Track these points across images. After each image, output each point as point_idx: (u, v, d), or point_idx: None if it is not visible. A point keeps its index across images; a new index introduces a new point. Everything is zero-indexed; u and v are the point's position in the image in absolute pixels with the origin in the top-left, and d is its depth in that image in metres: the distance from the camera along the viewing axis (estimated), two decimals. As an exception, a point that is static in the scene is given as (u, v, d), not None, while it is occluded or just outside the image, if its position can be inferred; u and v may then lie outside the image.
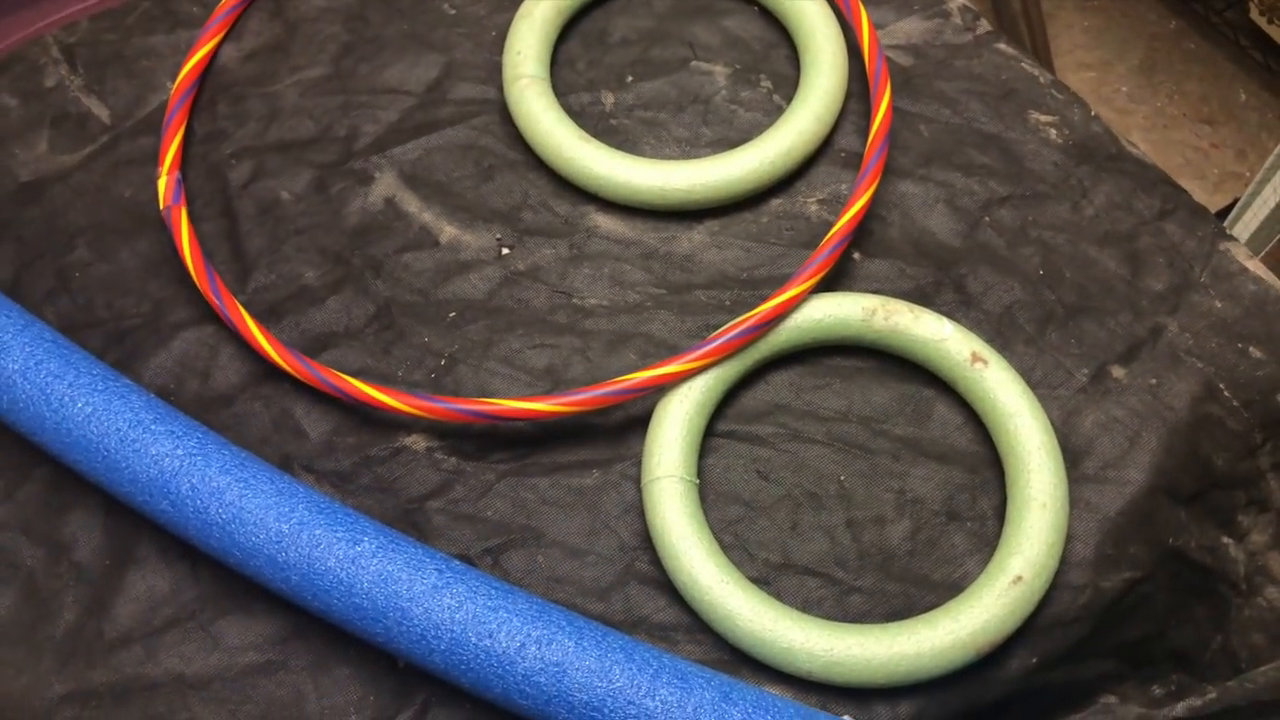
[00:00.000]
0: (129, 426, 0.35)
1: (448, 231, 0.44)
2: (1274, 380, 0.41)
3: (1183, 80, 1.16)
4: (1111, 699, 0.40)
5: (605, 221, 0.44)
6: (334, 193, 0.45)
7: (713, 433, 0.40)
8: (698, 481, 0.37)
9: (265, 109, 0.47)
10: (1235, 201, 0.91)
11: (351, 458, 0.39)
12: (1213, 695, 0.41)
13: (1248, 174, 1.09)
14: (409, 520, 0.37)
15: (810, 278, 0.40)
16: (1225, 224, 0.91)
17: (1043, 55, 1.05)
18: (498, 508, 0.38)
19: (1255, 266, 0.44)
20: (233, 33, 0.49)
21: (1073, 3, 1.20)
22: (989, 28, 0.50)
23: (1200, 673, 0.43)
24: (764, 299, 0.40)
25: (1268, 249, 0.88)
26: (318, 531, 0.33)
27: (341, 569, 0.33)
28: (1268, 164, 0.86)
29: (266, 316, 0.42)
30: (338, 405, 0.40)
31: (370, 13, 0.50)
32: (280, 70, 0.48)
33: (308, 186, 0.45)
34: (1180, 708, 0.40)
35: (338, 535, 0.33)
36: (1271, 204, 0.85)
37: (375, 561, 0.33)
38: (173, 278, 0.43)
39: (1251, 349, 0.42)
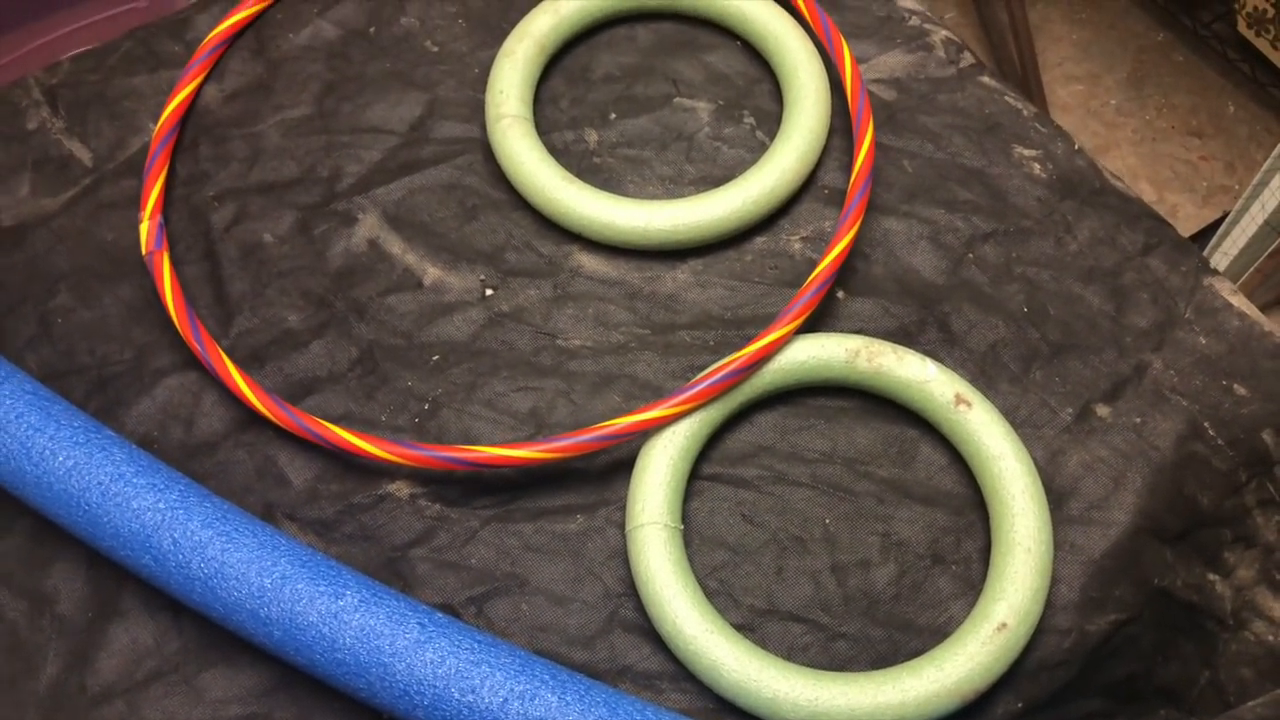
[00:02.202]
0: (110, 480, 0.35)
1: (431, 273, 0.44)
2: (1258, 418, 0.41)
3: (1171, 93, 1.16)
4: (1099, 738, 0.40)
5: (589, 261, 0.44)
6: (317, 234, 0.45)
7: (698, 475, 0.40)
8: (682, 527, 0.37)
9: (248, 150, 0.47)
10: (1225, 215, 0.91)
11: (335, 506, 0.39)
12: (1199, 734, 0.41)
13: (1237, 187, 1.09)
14: (393, 569, 0.37)
15: (794, 320, 0.40)
16: (1214, 239, 0.91)
17: (1030, 69, 1.05)
18: (482, 555, 0.38)
19: (1239, 302, 0.44)
20: (215, 72, 0.49)
21: (1061, 15, 1.20)
22: (973, 60, 0.50)
23: (1189, 708, 0.43)
24: (748, 339, 0.40)
25: (1256, 264, 0.88)
26: (300, 586, 0.33)
27: (324, 624, 0.32)
28: (1256, 179, 0.86)
29: (249, 361, 0.42)
30: (321, 452, 0.40)
31: (352, 51, 0.50)
32: (263, 110, 0.48)
33: (291, 228, 0.45)
34: (1167, 747, 0.40)
35: (320, 589, 0.33)
36: (1259, 220, 0.85)
37: (357, 616, 0.33)
38: (155, 323, 0.42)
39: (1236, 386, 0.42)
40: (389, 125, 0.48)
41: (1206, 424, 0.41)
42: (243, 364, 0.41)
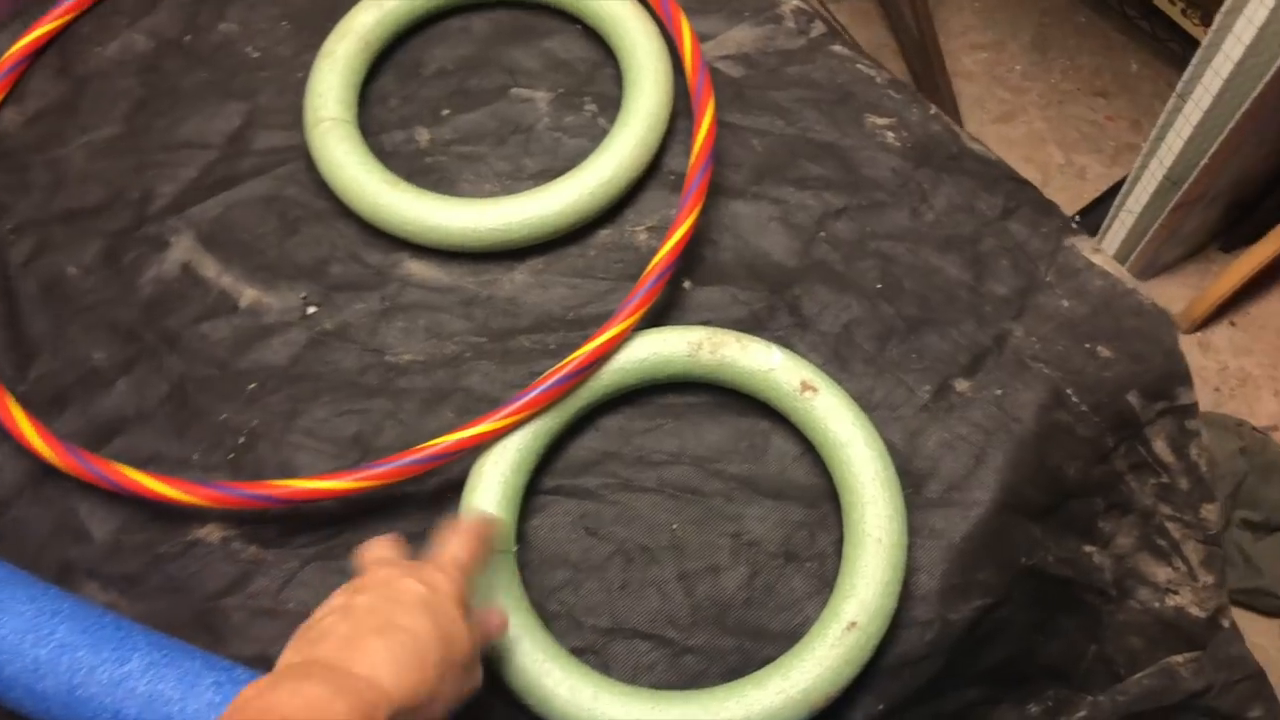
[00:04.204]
0: (-128, 551, 0.32)
1: (248, 294, 0.41)
2: (1123, 380, 0.39)
3: (1075, 54, 1.15)
4: (984, 727, 0.38)
5: (420, 269, 0.41)
6: (126, 263, 0.41)
7: (538, 489, 0.37)
8: (515, 549, 0.35)
9: (50, 176, 0.43)
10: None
11: (140, 558, 0.35)
12: (1083, 714, 0.39)
13: (1143, 144, 1.08)
14: (203, 622, 0.34)
15: (630, 316, 0.37)
16: (1118, 197, 0.91)
17: (929, 39, 1.04)
18: (302, 598, 0.35)
19: (1102, 260, 0.43)
20: (14, 93, 0.45)
21: (962, -17, 1.19)
22: (823, 29, 0.48)
23: (1078, 683, 0.41)
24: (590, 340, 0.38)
25: (1161, 220, 0.88)
26: (80, 654, 0.30)
27: (106, 694, 0.29)
28: (1153, 135, 0.85)
29: (49, 406, 0.38)
30: (125, 500, 0.37)
31: (166, 63, 0.47)
32: (67, 132, 0.45)
33: (97, 258, 0.42)
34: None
35: (103, 656, 0.30)
36: (1159, 176, 0.85)
37: (144, 682, 0.30)
38: (-57, 372, 0.39)
39: (1100, 348, 0.40)
40: (205, 139, 0.44)
41: (1070, 390, 0.39)
42: (43, 409, 0.38)
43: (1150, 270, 0.96)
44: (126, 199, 0.43)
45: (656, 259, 0.38)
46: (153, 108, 0.45)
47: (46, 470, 0.37)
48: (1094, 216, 0.99)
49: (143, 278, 0.41)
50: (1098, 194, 1.02)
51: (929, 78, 0.99)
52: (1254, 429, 0.85)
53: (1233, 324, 0.96)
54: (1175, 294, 0.98)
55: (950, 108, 1.00)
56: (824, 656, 0.32)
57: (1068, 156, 1.07)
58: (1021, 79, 1.15)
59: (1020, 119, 1.11)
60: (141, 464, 0.37)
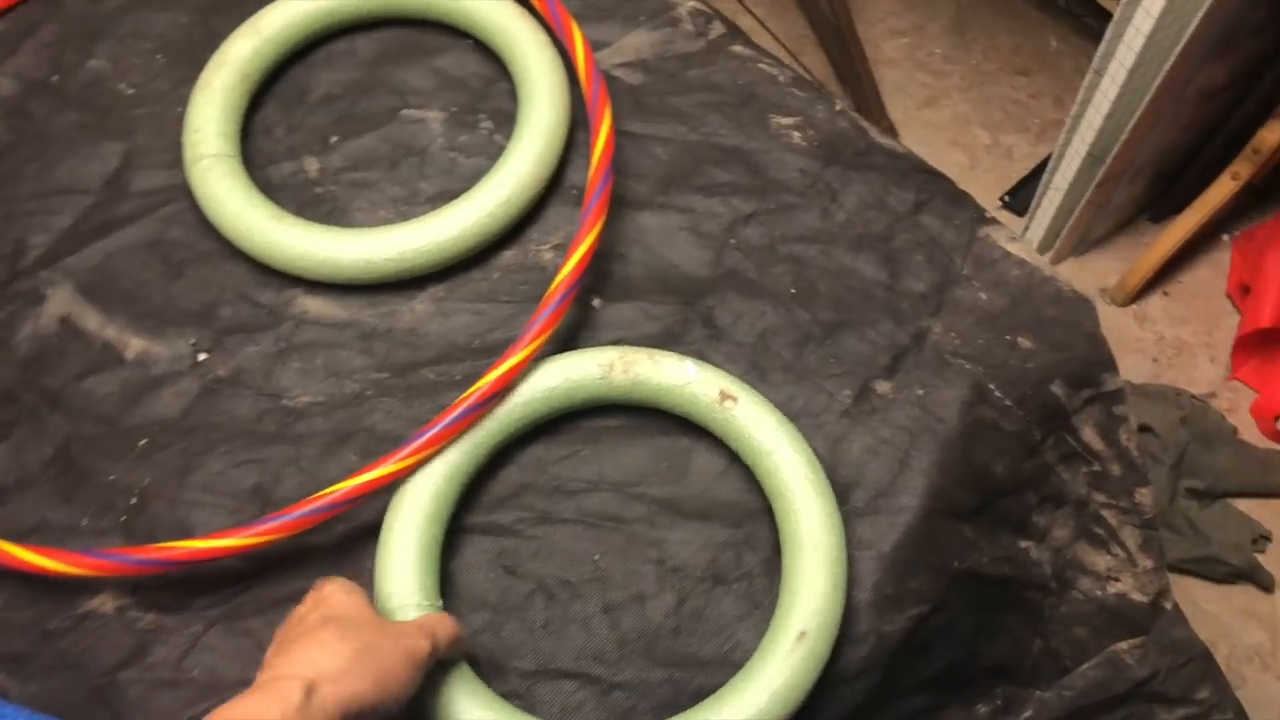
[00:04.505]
0: None
1: (134, 345, 0.38)
2: (1046, 370, 0.39)
3: (994, 34, 1.16)
4: (930, 733, 0.37)
5: (315, 305, 0.39)
6: (-2, 321, 0.39)
7: (458, 528, 0.35)
8: (440, 604, 0.33)
9: (-88, 234, 0.41)
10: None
11: (28, 635, 0.33)
12: (1030, 714, 0.38)
13: (1067, 121, 1.09)
14: (99, 699, 0.32)
15: (535, 339, 0.36)
16: (1044, 175, 0.91)
17: (846, 26, 1.04)
18: (206, 664, 0.33)
19: (1018, 249, 0.42)
20: None
21: (879, -29, 1.19)
22: (723, 30, 0.47)
23: (1025, 680, 0.41)
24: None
25: (1087, 196, 0.88)
26: (-46, 752, 0.28)
27: (-18, 795, 0.27)
28: (1073, 112, 0.86)
29: (-80, 482, 0.36)
30: (9, 575, 0.34)
31: (33, 105, 0.44)
32: (-72, 185, 0.42)
33: (-33, 318, 0.39)
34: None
35: (-22, 752, 0.28)
36: (1082, 153, 0.85)
37: (25, 777, 0.27)
38: None
39: (1020, 339, 0.39)
40: (81, 184, 0.42)
41: (992, 385, 0.38)
42: (-86, 485, 0.36)
43: (1082, 245, 0.97)
44: (-2, 253, 0.40)
45: (559, 279, 0.37)
46: (21, 153, 0.43)
47: (-81, 552, 0.35)
48: (1024, 195, 1.00)
49: (18, 335, 0.39)
50: (1026, 173, 1.03)
51: (849, 67, 0.99)
52: (1193, 397, 0.86)
53: (1166, 294, 0.97)
54: (1108, 267, 0.98)
55: (873, 96, 1.00)
56: (777, 673, 0.30)
57: (994, 137, 1.08)
58: (943, 62, 1.15)
59: (944, 102, 1.11)
60: (26, 534, 0.35)
